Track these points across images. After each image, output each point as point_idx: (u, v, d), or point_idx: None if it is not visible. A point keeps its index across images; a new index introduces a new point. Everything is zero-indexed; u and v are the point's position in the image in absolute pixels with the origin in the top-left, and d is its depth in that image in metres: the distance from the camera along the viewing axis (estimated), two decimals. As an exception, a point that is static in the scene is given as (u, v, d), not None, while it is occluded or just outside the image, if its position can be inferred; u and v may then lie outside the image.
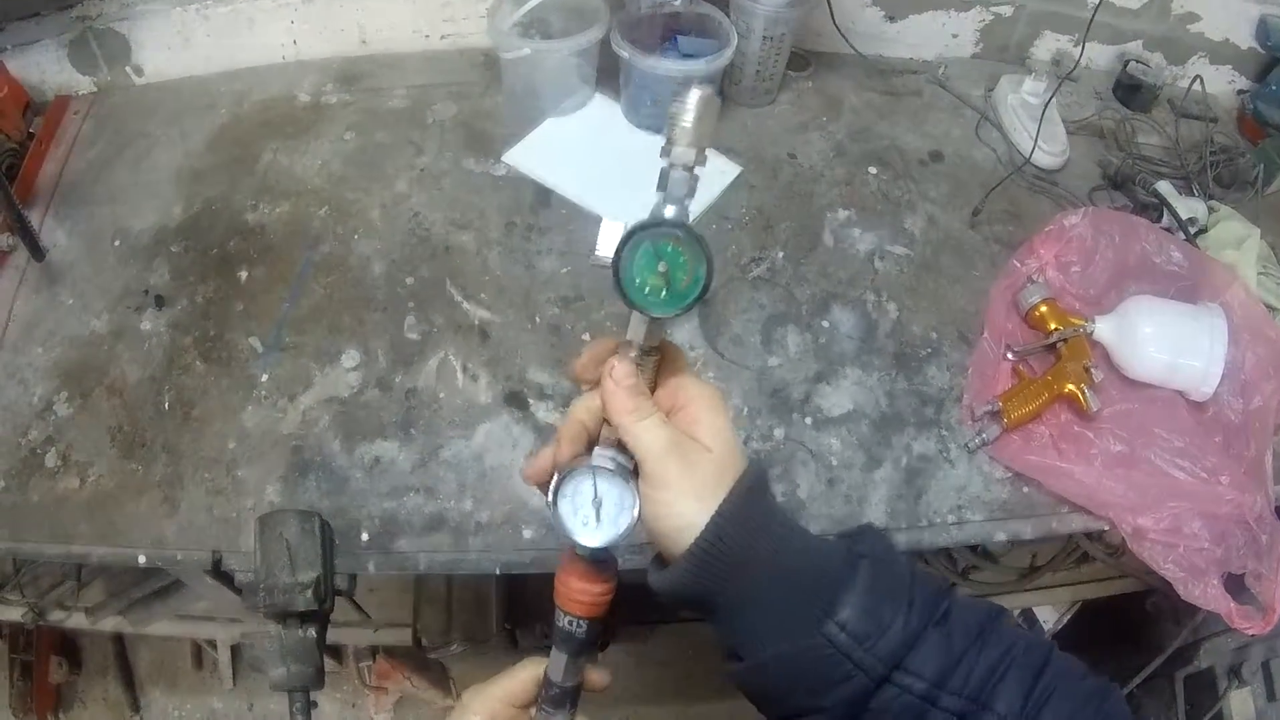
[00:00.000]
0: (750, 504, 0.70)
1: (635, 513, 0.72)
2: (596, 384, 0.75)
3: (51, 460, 1.26)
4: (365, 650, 2.33)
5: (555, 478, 0.75)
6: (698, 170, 0.68)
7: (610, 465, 0.73)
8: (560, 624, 0.80)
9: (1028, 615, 1.97)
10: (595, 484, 0.73)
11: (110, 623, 1.83)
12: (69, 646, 2.38)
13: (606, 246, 0.65)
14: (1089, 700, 0.68)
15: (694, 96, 0.66)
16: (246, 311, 1.40)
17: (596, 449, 0.74)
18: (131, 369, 1.34)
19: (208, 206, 1.53)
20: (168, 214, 1.52)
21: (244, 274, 1.43)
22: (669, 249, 0.68)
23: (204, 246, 1.47)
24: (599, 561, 0.77)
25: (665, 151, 0.68)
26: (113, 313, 1.40)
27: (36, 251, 1.45)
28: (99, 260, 1.48)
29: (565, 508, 0.74)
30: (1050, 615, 1.95)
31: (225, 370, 1.34)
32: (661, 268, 0.68)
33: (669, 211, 0.68)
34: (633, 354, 0.72)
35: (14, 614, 1.83)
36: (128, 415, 1.30)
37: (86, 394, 1.32)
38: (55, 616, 1.81)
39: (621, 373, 0.71)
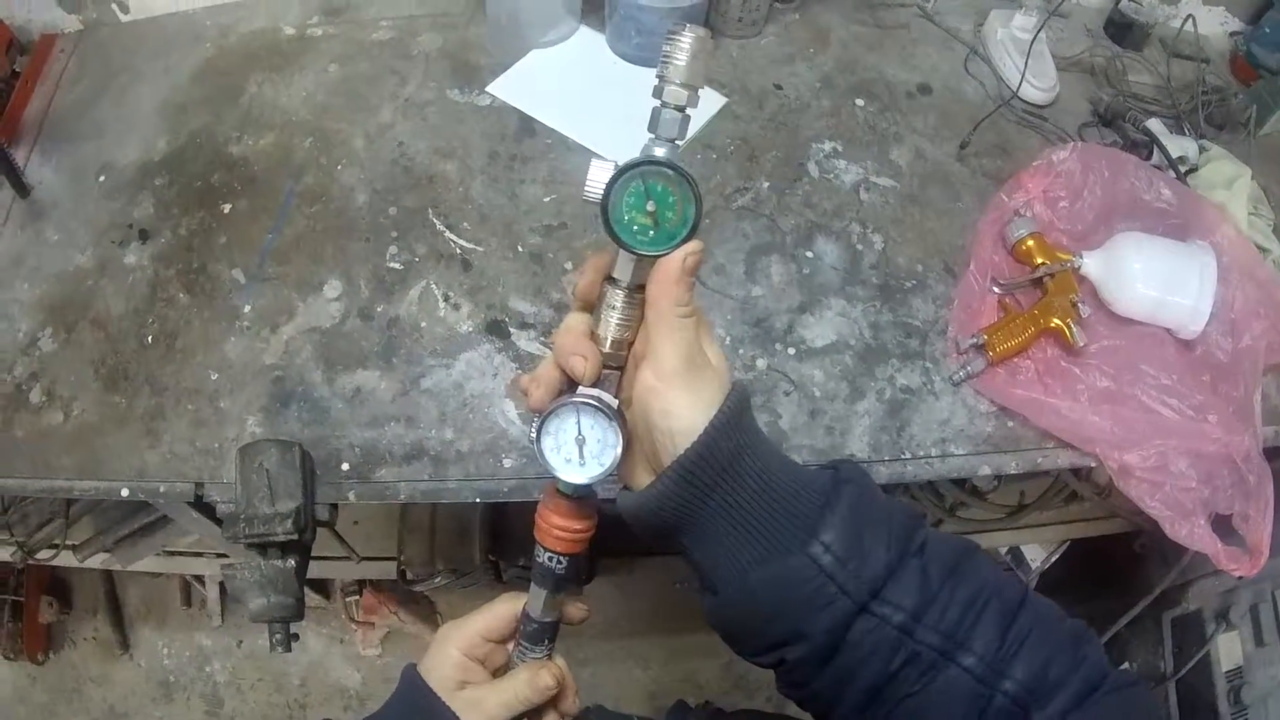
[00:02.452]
0: (740, 417, 0.70)
1: (618, 451, 0.73)
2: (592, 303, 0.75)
3: (36, 396, 1.27)
4: (352, 585, 2.36)
5: (537, 417, 0.75)
6: (689, 110, 0.68)
7: (595, 403, 0.73)
8: (539, 559, 0.81)
9: (1015, 553, 1.98)
10: (579, 421, 0.74)
11: (98, 559, 1.84)
12: (59, 586, 2.41)
13: (596, 184, 0.67)
14: (1066, 644, 0.68)
15: (688, 35, 0.66)
16: (230, 243, 1.39)
17: (580, 388, 0.74)
18: (115, 302, 1.35)
19: (192, 139, 1.52)
20: (152, 148, 1.52)
21: (227, 206, 1.43)
22: (659, 188, 0.68)
23: (188, 179, 1.47)
24: (580, 499, 0.78)
25: (658, 91, 0.68)
26: (97, 247, 1.41)
27: (21, 189, 1.46)
28: (83, 195, 1.48)
29: (548, 444, 0.75)
30: (1038, 554, 1.96)
31: (208, 302, 1.34)
32: (650, 207, 0.68)
33: (659, 151, 0.68)
34: (621, 292, 0.72)
35: (3, 554, 1.84)
36: (111, 348, 1.30)
37: (71, 328, 1.33)
38: (44, 555, 1.80)
39: (693, 263, 0.70)
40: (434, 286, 1.34)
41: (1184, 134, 1.60)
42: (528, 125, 1.52)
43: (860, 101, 1.59)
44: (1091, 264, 1.34)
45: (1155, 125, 1.57)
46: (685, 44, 0.66)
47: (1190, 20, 1.75)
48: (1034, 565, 1.96)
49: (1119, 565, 1.90)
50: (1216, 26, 1.87)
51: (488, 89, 1.56)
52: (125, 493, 1.21)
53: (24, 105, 1.59)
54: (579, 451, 0.74)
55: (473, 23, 1.69)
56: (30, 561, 1.82)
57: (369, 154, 1.48)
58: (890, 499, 0.73)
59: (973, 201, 1.47)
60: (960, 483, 1.73)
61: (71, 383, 1.28)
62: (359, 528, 1.92)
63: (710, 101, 1.56)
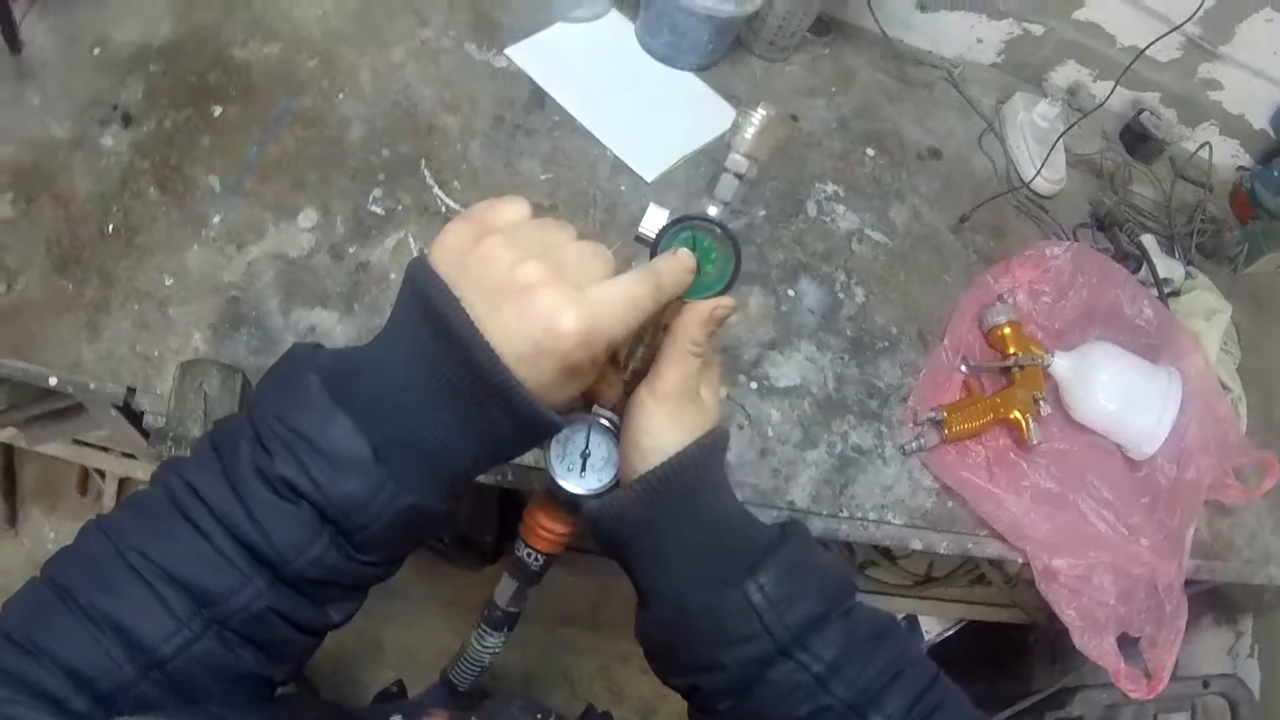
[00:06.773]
0: (712, 456, 0.75)
1: (616, 470, 0.78)
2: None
3: (-19, 262, 1.19)
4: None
5: None
6: (748, 178, 0.75)
7: (608, 423, 0.79)
8: (519, 554, 0.88)
9: (912, 622, 2.00)
10: (589, 436, 0.80)
11: (6, 434, 1.78)
12: (-48, 453, 2.31)
13: (649, 226, 0.73)
14: None
15: (761, 113, 0.73)
16: (212, 148, 1.32)
17: (595, 406, 0.80)
18: (83, 182, 1.27)
19: (196, 32, 1.44)
20: (154, 31, 1.43)
21: (218, 109, 1.36)
22: (705, 242, 0.74)
23: (183, 72, 1.39)
24: (568, 506, 0.85)
25: (722, 156, 0.75)
26: (76, 121, 1.32)
27: (14, 42, 1.35)
28: (73, 66, 1.38)
29: (555, 452, 0.80)
30: (935, 626, 1.99)
31: (178, 203, 1.27)
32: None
33: (713, 210, 0.74)
34: (651, 328, 0.79)
35: (-95, 415, 1.78)
36: (69, 229, 1.23)
37: (31, 199, 1.24)
38: (-52, 422, 1.75)
39: (721, 315, 0.74)
40: (412, 240, 1.30)
41: (1173, 256, 1.62)
42: (538, 97, 1.48)
43: (871, 151, 1.58)
44: (1062, 365, 1.34)
45: (1149, 241, 1.59)
46: (755, 119, 0.73)
47: (1206, 146, 1.77)
48: (928, 636, 1.99)
49: (1008, 654, 1.94)
50: (1227, 158, 1.90)
51: (506, 50, 1.52)
52: (53, 381, 1.15)
53: (24, -37, 1.51)
54: (582, 464, 0.80)
55: (503, -23, 1.64)
56: (-69, 426, 1.76)
57: (373, 89, 1.43)
58: (830, 564, 0.77)
59: (959, 276, 1.48)
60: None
61: (21, 254, 1.20)
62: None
63: (724, 116, 1.53)
